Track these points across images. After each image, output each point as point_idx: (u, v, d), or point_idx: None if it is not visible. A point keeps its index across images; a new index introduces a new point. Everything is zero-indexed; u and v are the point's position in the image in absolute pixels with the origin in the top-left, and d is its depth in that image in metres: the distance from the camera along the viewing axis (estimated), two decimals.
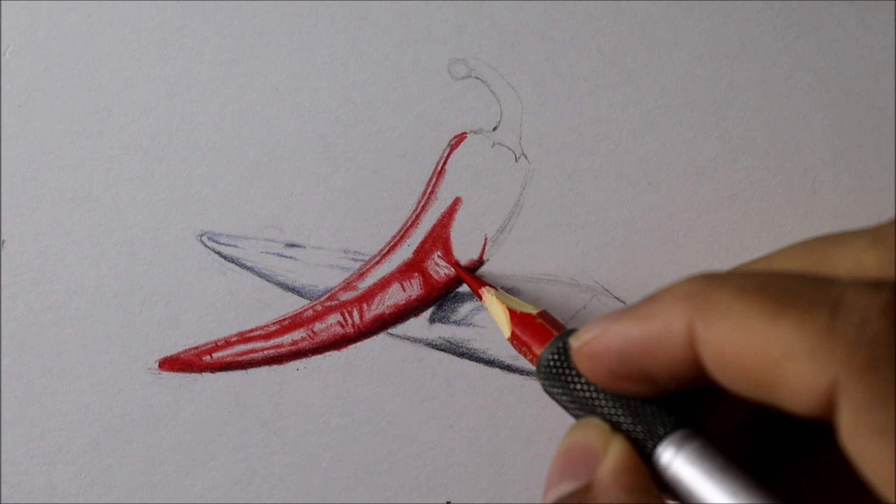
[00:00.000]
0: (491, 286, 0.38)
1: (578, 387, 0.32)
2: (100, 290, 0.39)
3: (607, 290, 0.39)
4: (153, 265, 0.39)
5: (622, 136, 0.39)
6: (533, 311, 0.36)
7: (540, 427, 0.40)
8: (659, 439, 0.30)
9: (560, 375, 0.32)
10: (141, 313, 0.39)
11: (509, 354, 0.40)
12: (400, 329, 0.39)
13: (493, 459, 0.40)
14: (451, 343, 0.39)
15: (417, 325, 0.39)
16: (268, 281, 0.39)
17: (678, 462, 0.29)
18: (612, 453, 0.30)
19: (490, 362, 0.40)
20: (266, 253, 0.39)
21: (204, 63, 0.38)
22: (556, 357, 0.32)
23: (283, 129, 0.39)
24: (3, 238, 0.38)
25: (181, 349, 0.39)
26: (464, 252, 0.39)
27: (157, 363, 0.39)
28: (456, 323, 0.40)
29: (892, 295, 0.25)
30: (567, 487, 0.29)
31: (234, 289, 0.39)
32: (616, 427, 0.30)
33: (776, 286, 0.26)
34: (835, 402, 0.25)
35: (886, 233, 0.29)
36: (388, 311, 0.39)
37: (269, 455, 0.39)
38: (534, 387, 0.40)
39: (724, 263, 0.39)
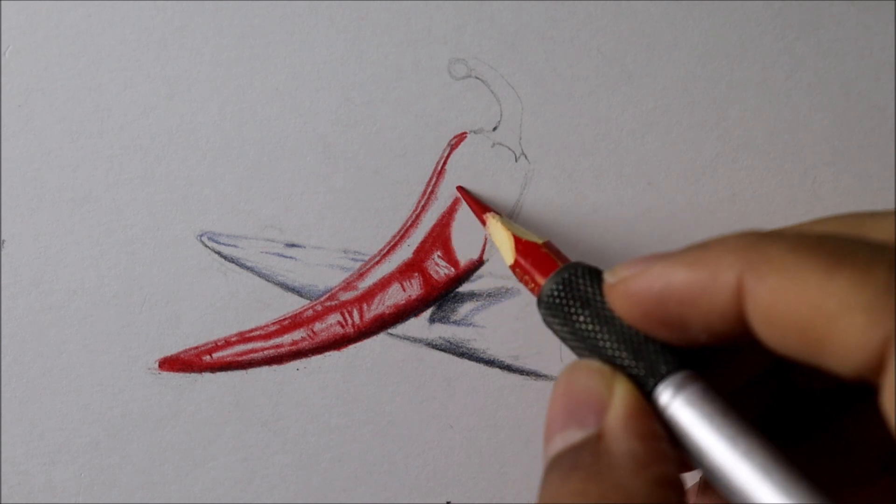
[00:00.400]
0: (496, 212, 0.38)
1: (581, 320, 0.31)
2: (100, 290, 0.39)
3: None
4: (153, 265, 0.39)
5: (622, 136, 0.39)
6: (538, 240, 0.35)
7: (540, 427, 0.40)
8: (660, 378, 0.29)
9: (562, 307, 0.31)
10: (141, 313, 0.39)
11: (509, 354, 0.40)
12: (400, 329, 0.39)
13: (493, 459, 0.40)
14: (451, 343, 0.39)
15: (417, 325, 0.39)
16: (268, 281, 0.39)
17: (677, 403, 0.28)
18: (619, 398, 0.29)
19: (490, 362, 0.40)
20: (266, 253, 0.39)
21: (204, 63, 0.38)
22: (559, 288, 0.32)
23: (283, 129, 0.39)
24: (3, 238, 0.38)
25: (181, 349, 0.39)
26: (464, 252, 0.39)
27: (157, 363, 0.39)
28: (456, 323, 0.40)
29: None
30: (574, 435, 0.29)
31: (234, 289, 0.39)
32: (615, 364, 0.30)
33: (833, 243, 0.26)
34: (885, 360, 0.24)
35: None
36: (388, 311, 0.39)
37: (269, 455, 0.39)
38: (534, 387, 0.40)
39: None
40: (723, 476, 0.27)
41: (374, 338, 0.39)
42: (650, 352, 0.29)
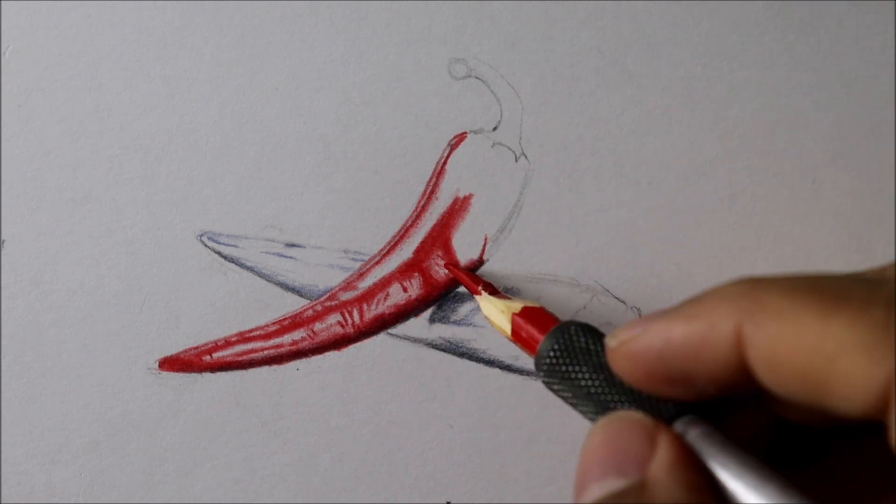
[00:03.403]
0: (487, 284, 0.38)
1: (581, 378, 0.31)
2: (100, 290, 0.39)
3: (607, 290, 0.39)
4: (153, 265, 0.39)
5: (622, 136, 0.39)
6: (520, 306, 0.35)
7: (540, 427, 0.40)
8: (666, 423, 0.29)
9: (557, 371, 0.32)
10: (141, 313, 0.39)
11: (509, 354, 0.40)
12: (400, 329, 0.39)
13: (493, 459, 0.40)
14: (451, 343, 0.39)
15: (417, 325, 0.39)
16: (268, 281, 0.39)
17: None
18: (664, 448, 0.28)
19: (490, 362, 0.40)
20: (266, 253, 0.39)
21: (204, 63, 0.38)
22: (553, 353, 0.32)
23: (283, 129, 0.39)
24: (3, 238, 0.38)
25: (181, 349, 0.39)
26: (464, 252, 0.39)
27: (157, 363, 0.39)
28: (456, 323, 0.40)
29: None
30: (614, 484, 0.28)
31: (234, 289, 0.39)
32: None
33: (828, 284, 0.26)
34: (889, 399, 0.24)
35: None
36: (388, 311, 0.39)
37: (269, 455, 0.39)
38: (534, 387, 0.40)
39: (725, 263, 0.39)
40: None
41: (374, 338, 0.39)
42: (653, 401, 0.30)
